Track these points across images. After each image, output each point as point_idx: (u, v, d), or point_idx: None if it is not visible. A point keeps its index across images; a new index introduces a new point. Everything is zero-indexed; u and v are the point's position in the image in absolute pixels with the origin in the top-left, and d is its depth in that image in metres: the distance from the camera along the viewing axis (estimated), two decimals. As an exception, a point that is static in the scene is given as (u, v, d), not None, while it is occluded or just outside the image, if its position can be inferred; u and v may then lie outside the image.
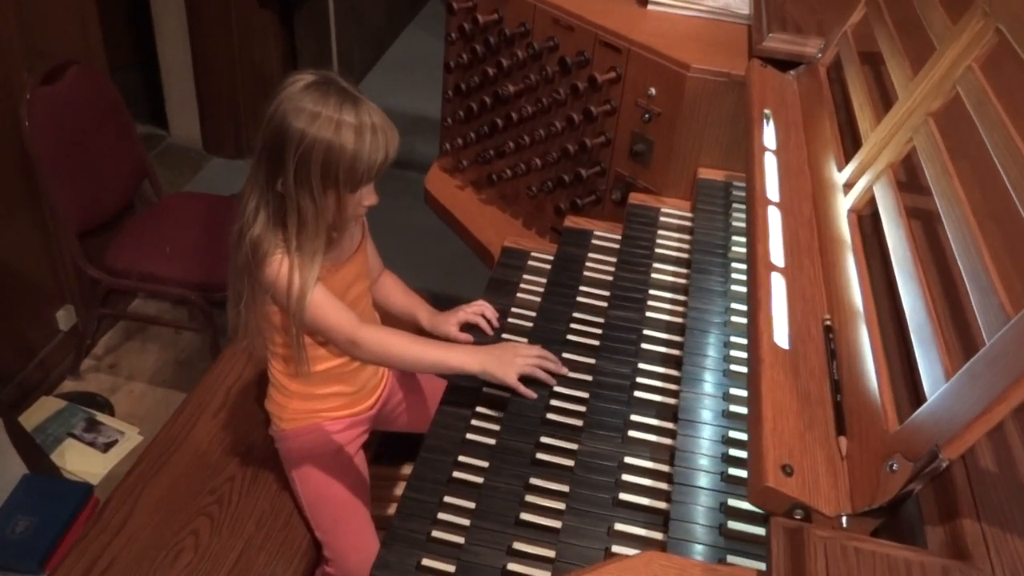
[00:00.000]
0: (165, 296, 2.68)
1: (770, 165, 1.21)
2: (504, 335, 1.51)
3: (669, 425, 1.21)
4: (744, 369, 1.22)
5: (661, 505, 1.09)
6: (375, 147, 1.29)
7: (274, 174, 1.29)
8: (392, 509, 1.79)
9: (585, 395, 1.30)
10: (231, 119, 3.57)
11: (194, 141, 3.69)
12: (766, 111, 1.33)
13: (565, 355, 1.38)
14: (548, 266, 1.66)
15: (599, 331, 1.42)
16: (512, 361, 1.32)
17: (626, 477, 1.14)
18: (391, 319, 1.69)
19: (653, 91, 1.62)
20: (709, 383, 1.21)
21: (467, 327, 1.53)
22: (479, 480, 1.19)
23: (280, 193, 1.29)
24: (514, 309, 1.57)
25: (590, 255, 1.63)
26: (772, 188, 1.17)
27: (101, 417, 2.40)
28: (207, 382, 1.81)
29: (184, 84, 3.52)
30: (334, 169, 1.28)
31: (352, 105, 1.28)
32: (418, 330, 1.59)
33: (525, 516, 1.12)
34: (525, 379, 1.32)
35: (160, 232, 2.45)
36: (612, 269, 1.56)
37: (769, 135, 1.29)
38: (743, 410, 1.16)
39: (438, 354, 1.36)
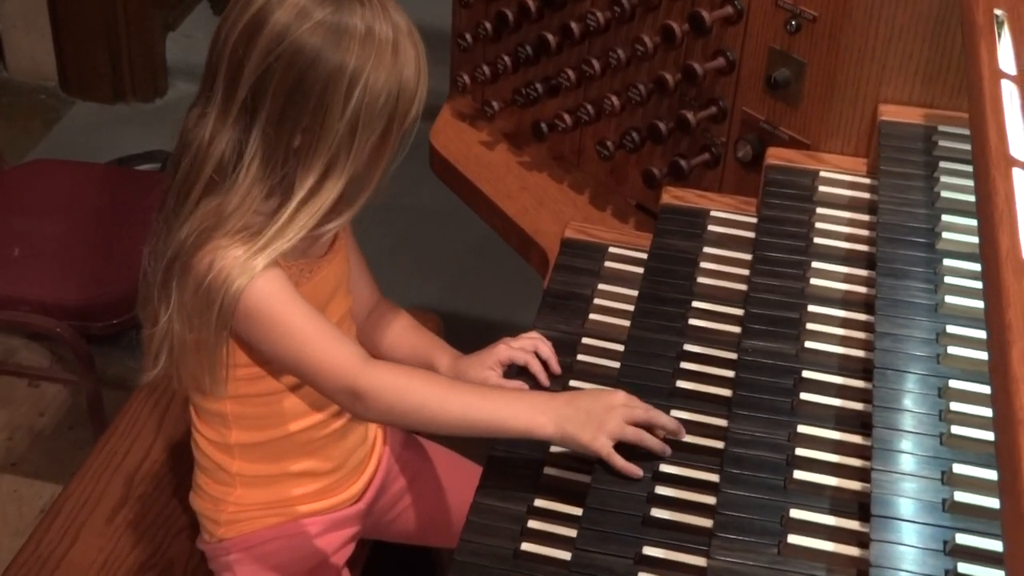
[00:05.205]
0: (12, 327, 2.70)
1: (1010, 101, 1.21)
2: (572, 383, 1.52)
3: (853, 525, 1.21)
4: (977, 434, 1.21)
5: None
6: (425, 62, 1.39)
7: (293, 119, 1.35)
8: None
9: (713, 477, 1.31)
10: (105, 41, 3.60)
11: (45, 76, 3.73)
12: (998, 12, 1.33)
13: (675, 413, 1.39)
14: (638, 269, 1.67)
15: (728, 374, 1.42)
16: (604, 418, 1.34)
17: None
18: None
19: (803, -18, 1.64)
20: (915, 457, 1.21)
21: (512, 373, 1.54)
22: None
23: (294, 145, 1.37)
24: (586, 340, 1.58)
25: (706, 249, 1.63)
26: (1017, 138, 1.16)
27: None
28: (98, 460, 1.82)
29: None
30: (392, 105, 1.36)
31: (391, 3, 1.37)
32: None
33: None
34: (624, 448, 1.34)
35: (3, 224, 2.46)
36: (744, 272, 1.56)
37: (1006, 52, 1.28)
38: (982, 502, 1.15)
39: (488, 407, 1.37)
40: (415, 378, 1.41)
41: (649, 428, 1.35)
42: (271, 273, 1.38)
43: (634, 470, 1.33)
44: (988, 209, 1.09)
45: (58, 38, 3.62)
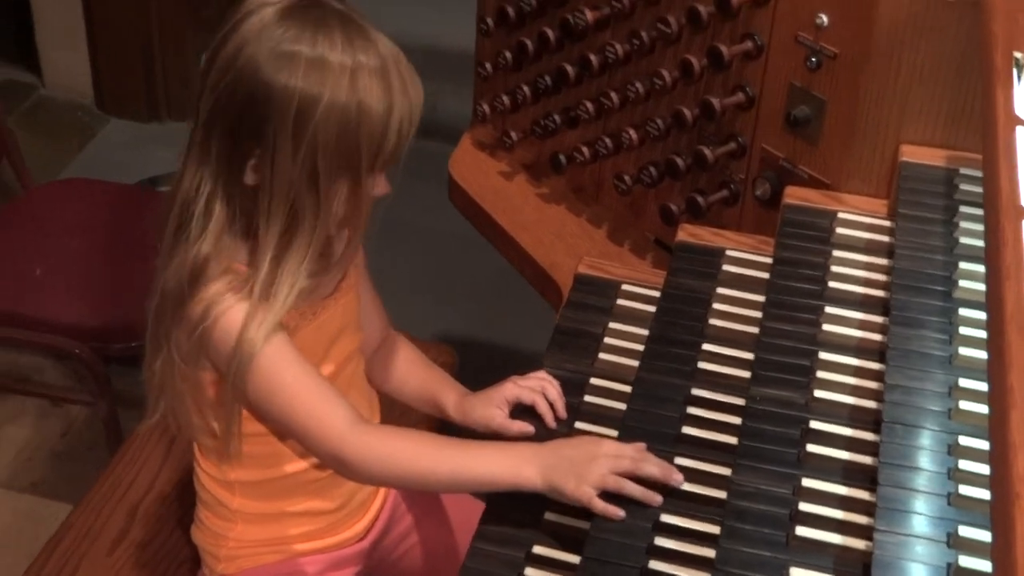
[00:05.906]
0: (34, 348, 2.71)
1: (1025, 148, 1.18)
2: (578, 425, 1.49)
3: (856, 586, 1.18)
4: (986, 495, 1.16)
5: None
6: (406, 100, 1.33)
7: (241, 155, 1.33)
8: None
9: (714, 529, 1.28)
10: (141, 59, 3.62)
11: (81, 93, 3.75)
12: (1018, 55, 1.30)
13: (680, 461, 1.36)
14: (650, 307, 1.65)
15: (737, 421, 1.39)
16: (587, 468, 1.32)
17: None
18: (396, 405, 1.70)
19: (824, 19, 1.61)
20: (923, 517, 1.18)
21: (518, 411, 1.52)
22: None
23: (250, 184, 1.34)
24: (594, 380, 1.56)
25: (719, 290, 1.61)
26: (1030, 190, 1.13)
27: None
28: (102, 490, 1.82)
29: (66, 5, 3.58)
30: (353, 143, 1.31)
31: (361, 37, 1.32)
32: (440, 425, 1.58)
33: None
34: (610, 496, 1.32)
35: (28, 243, 2.47)
36: (756, 315, 1.54)
37: (1023, 96, 1.25)
38: (990, 568, 1.11)
39: (476, 466, 1.36)
40: (401, 442, 1.40)
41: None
42: (274, 338, 1.36)
43: (614, 511, 1.30)
44: (995, 262, 1.06)
45: (94, 56, 3.65)
